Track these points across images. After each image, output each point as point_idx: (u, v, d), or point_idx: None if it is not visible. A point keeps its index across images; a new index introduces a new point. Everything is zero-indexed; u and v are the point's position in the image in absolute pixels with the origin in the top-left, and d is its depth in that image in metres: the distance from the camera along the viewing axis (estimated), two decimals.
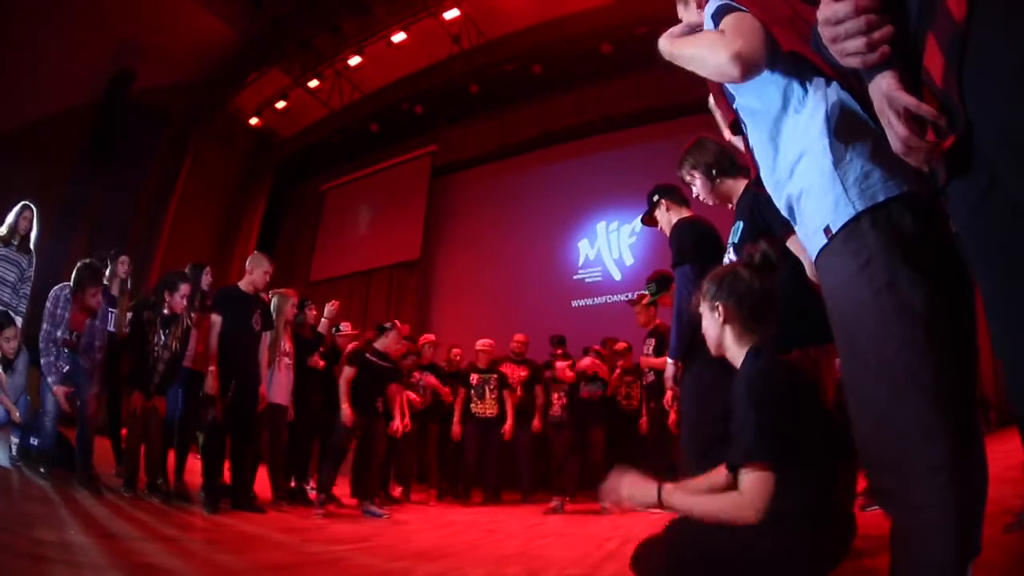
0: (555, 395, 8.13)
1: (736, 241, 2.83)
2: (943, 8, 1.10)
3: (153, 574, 2.79)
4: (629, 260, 11.88)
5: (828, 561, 1.88)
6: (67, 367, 5.37)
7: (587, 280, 12.36)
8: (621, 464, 7.10)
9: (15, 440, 5.60)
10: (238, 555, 3.58)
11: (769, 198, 1.97)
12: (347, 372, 6.45)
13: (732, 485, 1.91)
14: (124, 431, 5.86)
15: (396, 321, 7.12)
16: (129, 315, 6.05)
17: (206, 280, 6.55)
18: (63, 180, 12.30)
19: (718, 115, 2.67)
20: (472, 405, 8.37)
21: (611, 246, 12.23)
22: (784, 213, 1.82)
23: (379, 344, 6.72)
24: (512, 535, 5.32)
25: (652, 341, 6.83)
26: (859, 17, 1.19)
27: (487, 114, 14.10)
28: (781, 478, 1.82)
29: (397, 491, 8.03)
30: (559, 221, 12.88)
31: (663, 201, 3.93)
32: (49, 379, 5.29)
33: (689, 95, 8.78)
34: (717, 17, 1.72)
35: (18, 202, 5.90)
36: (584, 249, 12.56)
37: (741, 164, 2.88)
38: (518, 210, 13.47)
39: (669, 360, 3.85)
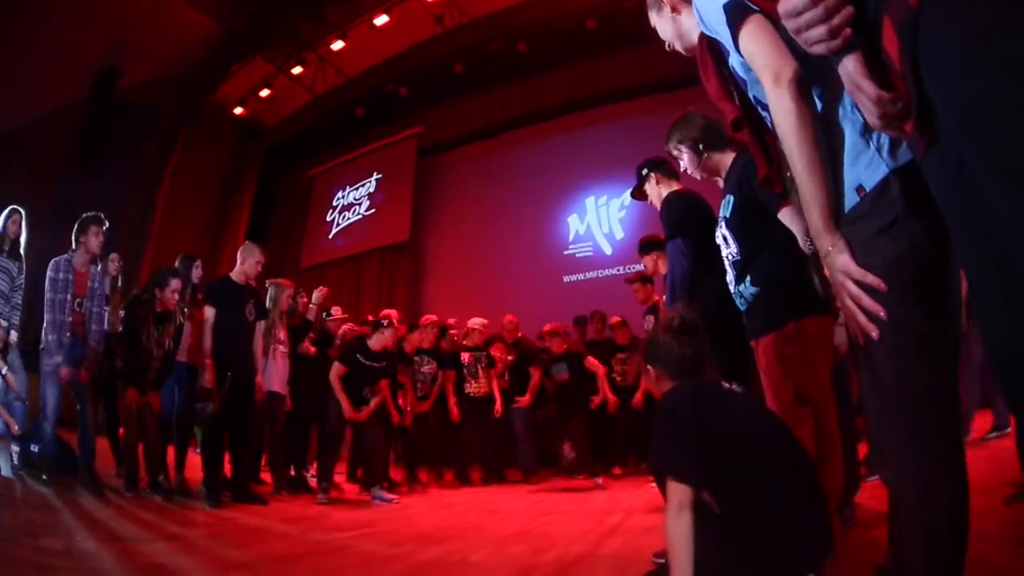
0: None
1: (728, 215, 2.81)
2: None
3: (160, 574, 2.79)
4: (619, 234, 11.88)
5: (805, 561, 1.94)
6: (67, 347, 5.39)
7: (578, 255, 12.36)
8: (612, 439, 7.12)
9: (16, 449, 5.60)
10: (243, 548, 3.60)
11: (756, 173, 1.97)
12: (336, 369, 6.42)
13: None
14: (122, 430, 5.86)
15: (392, 318, 6.96)
16: (121, 313, 6.02)
17: (196, 273, 6.53)
18: (52, 181, 12.32)
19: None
20: (465, 385, 8.35)
21: (601, 220, 12.23)
22: None
23: (373, 342, 6.59)
24: (514, 514, 5.34)
25: (651, 318, 6.83)
26: (817, 6, 1.22)
27: (472, 93, 14.02)
28: (721, 491, 1.98)
29: (399, 476, 8.05)
30: (548, 197, 12.87)
31: (652, 175, 3.88)
32: (53, 359, 5.31)
33: (675, 69, 8.77)
34: (732, 15, 1.69)
35: (7, 205, 5.84)
36: (574, 224, 12.55)
37: (728, 137, 2.86)
38: (507, 188, 13.46)
39: None
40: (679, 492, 1.95)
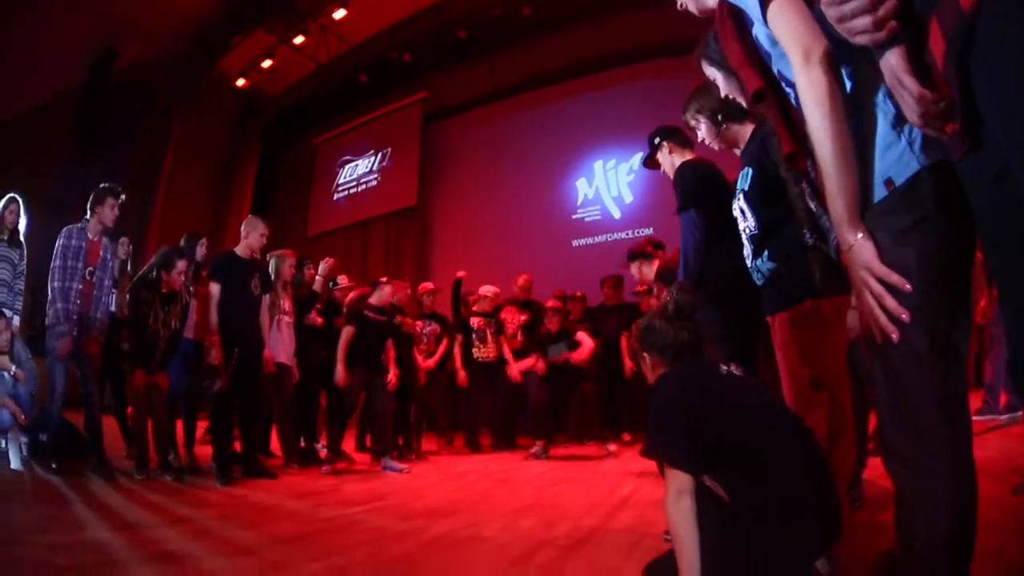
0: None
1: (746, 188, 2.74)
2: None
3: (172, 562, 2.78)
4: (628, 198, 11.81)
5: (812, 549, 1.92)
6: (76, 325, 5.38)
7: (586, 219, 12.32)
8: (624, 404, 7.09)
9: (24, 440, 5.58)
10: (253, 529, 3.59)
11: (775, 145, 1.91)
12: (347, 331, 6.45)
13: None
14: (130, 410, 5.86)
15: (389, 277, 7.14)
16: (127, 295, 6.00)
17: (200, 251, 6.55)
18: (53, 166, 12.29)
19: (715, 77, 2.59)
20: (474, 350, 8.31)
21: (609, 184, 12.14)
22: None
23: (374, 299, 6.74)
24: (525, 484, 5.34)
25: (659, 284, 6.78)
26: None
27: (477, 59, 13.89)
28: (724, 477, 1.94)
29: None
30: (556, 161, 12.77)
31: (665, 144, 3.79)
32: (58, 329, 5.29)
33: (681, 32, 8.63)
34: None
35: (8, 194, 5.82)
36: (582, 188, 12.48)
37: (747, 108, 2.78)
38: (513, 152, 13.38)
39: None
40: (677, 479, 1.94)
